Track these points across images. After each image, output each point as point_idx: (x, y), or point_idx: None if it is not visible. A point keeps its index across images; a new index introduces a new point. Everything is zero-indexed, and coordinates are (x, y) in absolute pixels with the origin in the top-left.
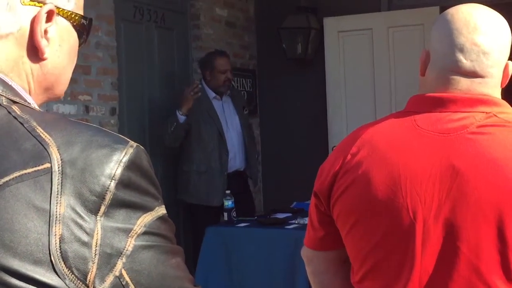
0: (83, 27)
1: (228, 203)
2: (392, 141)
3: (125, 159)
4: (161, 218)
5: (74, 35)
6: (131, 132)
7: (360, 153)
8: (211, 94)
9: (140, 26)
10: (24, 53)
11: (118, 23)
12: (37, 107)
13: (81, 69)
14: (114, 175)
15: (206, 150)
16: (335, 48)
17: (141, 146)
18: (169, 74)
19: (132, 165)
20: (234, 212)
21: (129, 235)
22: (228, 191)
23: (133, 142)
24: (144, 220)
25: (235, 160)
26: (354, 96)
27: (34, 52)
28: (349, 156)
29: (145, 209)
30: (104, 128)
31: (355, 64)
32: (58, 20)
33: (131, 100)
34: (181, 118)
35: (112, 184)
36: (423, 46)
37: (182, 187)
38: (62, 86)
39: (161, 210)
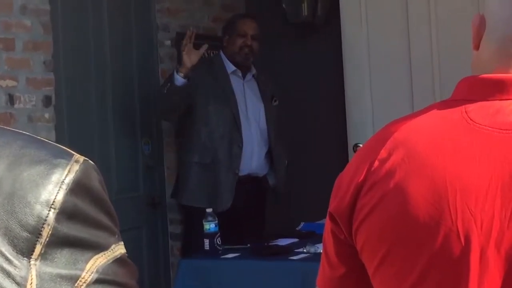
0: None
1: (210, 226)
2: (436, 141)
3: (68, 179)
4: (118, 260)
5: None
6: (73, 131)
7: (392, 159)
8: (230, 67)
9: None
10: None
11: None
12: None
13: (0, 44)
14: (53, 202)
15: (212, 136)
16: (354, 9)
17: (90, 161)
18: (125, 48)
19: (77, 188)
20: (219, 239)
21: (76, 284)
22: (209, 210)
23: (79, 155)
24: (96, 263)
25: (251, 160)
26: (382, 75)
27: None
28: (376, 163)
29: (97, 248)
30: (38, 137)
31: (383, 31)
32: None
33: (73, 85)
34: (179, 80)
35: (51, 215)
36: (477, 7)
37: (179, 185)
38: None
39: (119, 249)
